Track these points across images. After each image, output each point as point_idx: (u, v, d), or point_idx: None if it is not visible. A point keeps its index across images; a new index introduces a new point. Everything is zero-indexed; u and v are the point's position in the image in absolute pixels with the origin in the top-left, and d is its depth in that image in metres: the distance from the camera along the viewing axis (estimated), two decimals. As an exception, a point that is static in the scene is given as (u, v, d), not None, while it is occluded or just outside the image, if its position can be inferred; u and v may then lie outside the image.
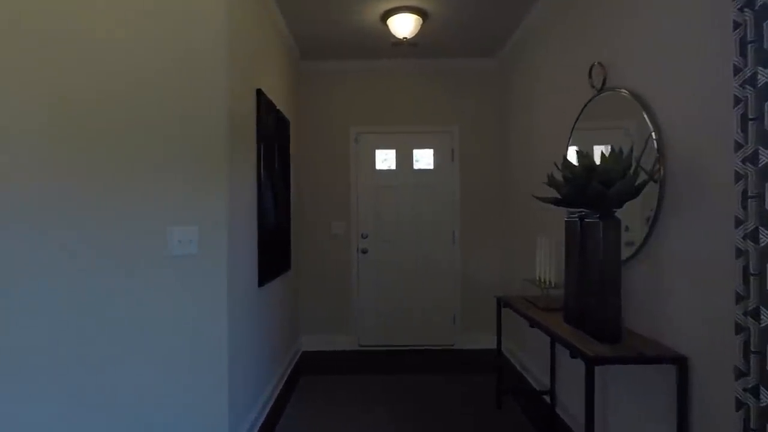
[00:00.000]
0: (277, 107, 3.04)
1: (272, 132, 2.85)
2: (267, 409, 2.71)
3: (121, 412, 1.95)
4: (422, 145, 4.02)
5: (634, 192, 1.60)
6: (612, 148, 1.71)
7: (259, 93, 2.57)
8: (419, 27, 3.11)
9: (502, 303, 2.62)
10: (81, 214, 1.92)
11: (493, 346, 3.92)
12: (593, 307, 1.70)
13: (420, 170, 4.02)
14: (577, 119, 2.37)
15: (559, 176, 1.92)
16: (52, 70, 1.91)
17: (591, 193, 1.61)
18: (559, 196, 1.84)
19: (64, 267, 1.91)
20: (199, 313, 1.98)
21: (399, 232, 4.00)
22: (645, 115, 1.74)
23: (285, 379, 3.24)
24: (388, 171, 4.03)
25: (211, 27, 1.99)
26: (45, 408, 1.91)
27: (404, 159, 4.02)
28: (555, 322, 2.01)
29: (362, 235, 3.99)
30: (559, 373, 2.64)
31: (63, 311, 1.91)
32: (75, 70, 1.93)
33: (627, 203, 1.65)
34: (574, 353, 1.63)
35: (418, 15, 3.04)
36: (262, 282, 2.57)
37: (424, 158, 4.04)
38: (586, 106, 2.26)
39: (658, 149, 1.69)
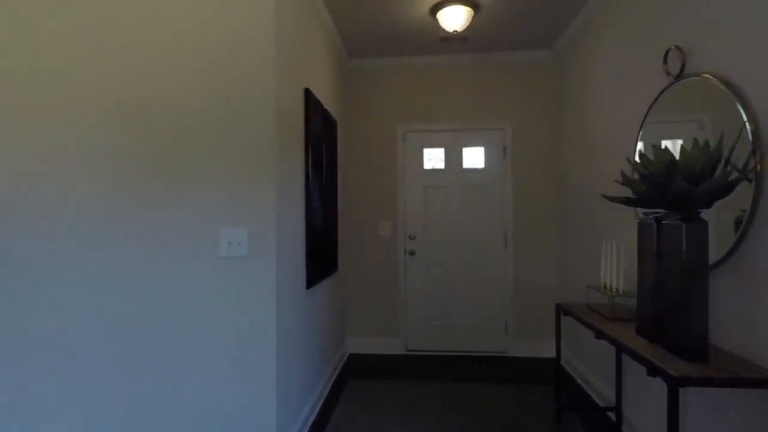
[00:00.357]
0: (325, 107, 3.01)
1: (320, 132, 2.82)
2: (315, 412, 2.68)
3: (170, 410, 1.97)
4: (472, 143, 3.87)
5: (727, 189, 1.40)
6: (695, 141, 1.51)
7: (307, 92, 2.55)
8: (470, 19, 2.98)
9: (562, 311, 2.44)
10: (136, 216, 1.96)
11: (549, 354, 3.71)
12: (674, 320, 1.51)
13: (470, 169, 3.87)
14: (649, 111, 2.15)
15: (630, 173, 1.74)
16: (106, 77, 1.97)
17: (674, 192, 1.43)
18: (634, 196, 1.66)
19: (119, 268, 1.96)
20: (249, 315, 1.97)
21: (448, 233, 3.88)
22: (738, 104, 1.53)
23: (332, 381, 3.21)
24: (437, 170, 3.91)
25: (258, 26, 1.97)
26: (97, 404, 1.96)
27: (453, 158, 3.89)
28: (626, 334, 1.83)
29: (410, 236, 3.90)
30: (626, 388, 2.42)
31: (117, 311, 1.96)
32: (128, 75, 1.97)
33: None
34: (653, 371, 1.46)
35: (468, 7, 2.91)
36: (310, 284, 2.54)
37: (474, 157, 3.88)
38: (660, 95, 2.05)
39: (754, 143, 1.48)
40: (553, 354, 3.73)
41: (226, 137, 1.97)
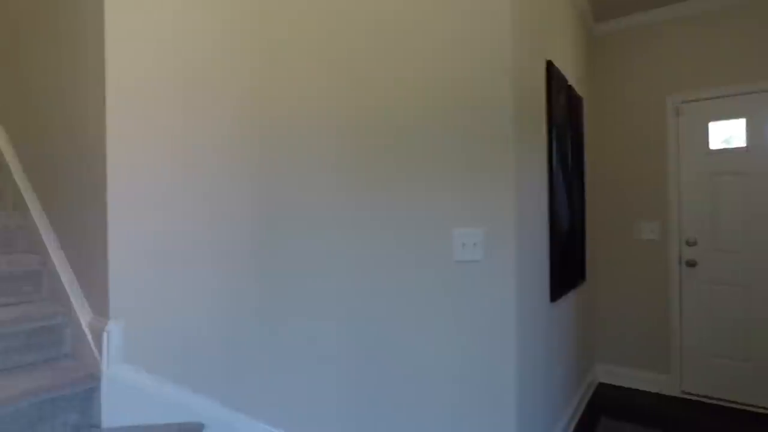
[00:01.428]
0: (569, 83, 2.49)
1: (564, 113, 2.33)
2: (560, 453, 2.21)
3: (395, 422, 1.84)
4: (797, 107, 2.65)
5: None
6: None
7: (549, 66, 2.11)
8: None
9: None
10: (374, 216, 1.92)
11: None
12: None
13: (792, 146, 2.66)
14: None
15: None
16: (347, 78, 1.98)
17: None
18: None
19: (357, 271, 1.95)
20: (483, 329, 1.68)
21: (751, 238, 2.75)
22: None
23: (579, 416, 2.64)
24: (732, 151, 2.82)
25: (496, -12, 1.66)
26: (328, 398, 1.99)
27: (760, 131, 2.74)
28: None
29: (687, 241, 2.93)
30: None
31: (353, 314, 1.95)
32: (363, 76, 1.94)
33: None
34: None
35: None
36: (554, 296, 2.09)
37: (800, 126, 2.65)
38: None
39: None
40: None
41: (459, 125, 1.73)
